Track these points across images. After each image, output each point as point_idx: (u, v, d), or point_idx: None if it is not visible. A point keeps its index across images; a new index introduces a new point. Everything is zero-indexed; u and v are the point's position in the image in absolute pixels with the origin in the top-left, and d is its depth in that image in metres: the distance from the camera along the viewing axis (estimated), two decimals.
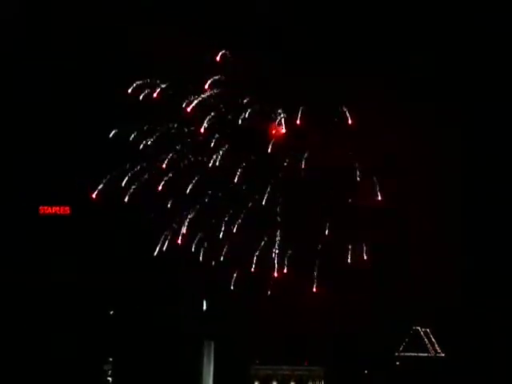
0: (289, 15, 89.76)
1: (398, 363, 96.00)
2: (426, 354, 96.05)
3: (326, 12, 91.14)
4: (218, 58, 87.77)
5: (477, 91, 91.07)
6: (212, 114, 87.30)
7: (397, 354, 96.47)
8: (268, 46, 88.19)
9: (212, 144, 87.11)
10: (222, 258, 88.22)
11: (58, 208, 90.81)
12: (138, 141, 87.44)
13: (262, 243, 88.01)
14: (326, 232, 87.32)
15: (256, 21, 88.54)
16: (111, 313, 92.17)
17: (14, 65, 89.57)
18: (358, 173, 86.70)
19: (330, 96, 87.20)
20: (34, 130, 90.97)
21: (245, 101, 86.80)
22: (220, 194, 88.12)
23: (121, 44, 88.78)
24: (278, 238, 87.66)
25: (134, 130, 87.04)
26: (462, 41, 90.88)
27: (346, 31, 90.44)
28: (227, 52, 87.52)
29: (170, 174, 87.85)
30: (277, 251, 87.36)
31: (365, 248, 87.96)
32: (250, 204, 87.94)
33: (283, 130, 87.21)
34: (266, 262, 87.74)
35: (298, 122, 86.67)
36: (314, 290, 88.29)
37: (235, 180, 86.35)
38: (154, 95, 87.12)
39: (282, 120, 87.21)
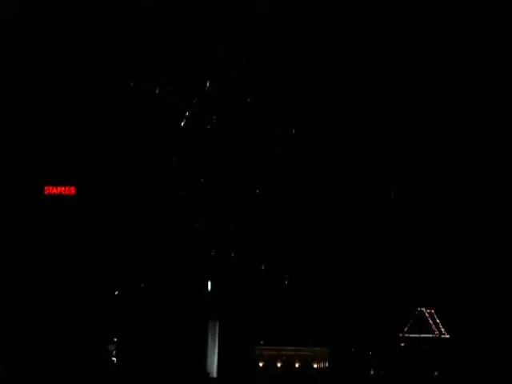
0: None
1: (402, 344, 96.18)
2: (430, 335, 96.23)
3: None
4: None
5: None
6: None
7: (401, 335, 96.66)
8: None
9: None
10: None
11: (63, 188, 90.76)
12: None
13: None
14: None
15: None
16: (116, 293, 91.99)
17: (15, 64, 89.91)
18: None
19: None
20: (39, 115, 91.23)
21: None
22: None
23: (121, 44, 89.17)
24: None
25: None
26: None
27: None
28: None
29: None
30: None
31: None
32: None
33: None
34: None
35: None
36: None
37: None
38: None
39: None
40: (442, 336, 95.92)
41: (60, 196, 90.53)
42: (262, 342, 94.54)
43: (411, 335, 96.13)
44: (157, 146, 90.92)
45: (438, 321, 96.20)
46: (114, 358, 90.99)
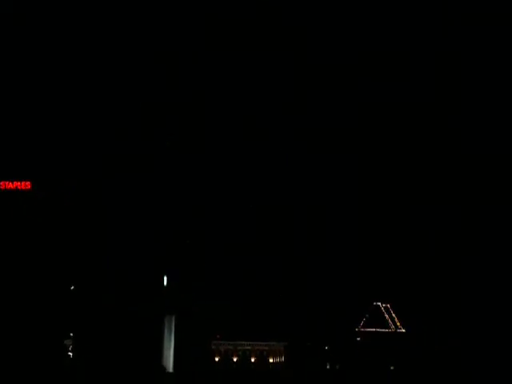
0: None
1: (358, 338, 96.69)
2: (386, 330, 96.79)
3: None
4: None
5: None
6: None
7: (357, 329, 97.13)
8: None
9: None
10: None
11: (19, 183, 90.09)
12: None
13: None
14: None
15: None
16: (72, 288, 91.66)
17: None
18: None
19: None
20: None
21: None
22: None
23: (121, 44, 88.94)
24: None
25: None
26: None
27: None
28: None
29: None
30: None
31: None
32: None
33: None
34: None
35: None
36: None
37: None
38: None
39: None
40: (398, 330, 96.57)
41: (16, 190, 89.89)
42: (218, 337, 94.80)
43: (367, 329, 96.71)
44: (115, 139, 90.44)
45: (393, 315, 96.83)
46: (70, 353, 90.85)
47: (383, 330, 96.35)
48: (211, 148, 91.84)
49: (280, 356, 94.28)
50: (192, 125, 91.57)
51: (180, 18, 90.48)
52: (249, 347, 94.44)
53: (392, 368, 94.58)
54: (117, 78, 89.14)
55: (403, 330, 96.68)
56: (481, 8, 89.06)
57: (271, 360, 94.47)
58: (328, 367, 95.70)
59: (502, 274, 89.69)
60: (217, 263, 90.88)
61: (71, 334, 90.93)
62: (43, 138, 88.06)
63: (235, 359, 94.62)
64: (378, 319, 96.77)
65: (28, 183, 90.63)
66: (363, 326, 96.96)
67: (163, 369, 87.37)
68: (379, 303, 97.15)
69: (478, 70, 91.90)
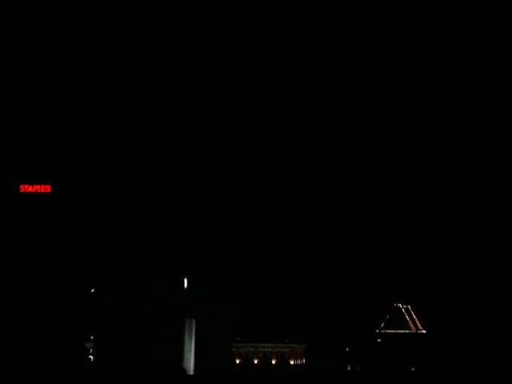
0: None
1: (379, 340, 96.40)
2: (406, 331, 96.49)
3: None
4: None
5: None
6: None
7: (378, 330, 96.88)
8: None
9: None
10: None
11: (38, 186, 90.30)
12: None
13: None
14: None
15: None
16: (92, 291, 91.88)
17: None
18: None
19: None
20: (15, 114, 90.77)
21: None
22: None
23: (121, 44, 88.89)
24: None
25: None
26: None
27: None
28: None
29: None
30: None
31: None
32: None
33: None
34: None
35: None
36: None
37: None
38: None
39: None
40: (419, 331, 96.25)
41: (36, 194, 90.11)
42: (238, 339, 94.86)
43: (388, 331, 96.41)
44: (134, 145, 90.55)
45: (414, 316, 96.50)
46: (91, 356, 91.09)
47: (404, 332, 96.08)
48: (211, 148, 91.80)
49: (301, 358, 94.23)
50: (192, 125, 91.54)
51: (180, 18, 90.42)
52: (269, 349, 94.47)
53: (413, 369, 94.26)
54: (117, 78, 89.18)
55: (424, 331, 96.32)
56: (481, 8, 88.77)
57: (292, 362, 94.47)
58: (349, 369, 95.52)
59: None
60: (231, 265, 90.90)
61: (92, 337, 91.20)
62: (45, 139, 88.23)
63: (256, 361, 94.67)
64: (399, 320, 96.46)
65: (48, 187, 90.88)
66: (384, 328, 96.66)
67: (184, 371, 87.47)
68: (400, 304, 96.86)
69: (478, 70, 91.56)
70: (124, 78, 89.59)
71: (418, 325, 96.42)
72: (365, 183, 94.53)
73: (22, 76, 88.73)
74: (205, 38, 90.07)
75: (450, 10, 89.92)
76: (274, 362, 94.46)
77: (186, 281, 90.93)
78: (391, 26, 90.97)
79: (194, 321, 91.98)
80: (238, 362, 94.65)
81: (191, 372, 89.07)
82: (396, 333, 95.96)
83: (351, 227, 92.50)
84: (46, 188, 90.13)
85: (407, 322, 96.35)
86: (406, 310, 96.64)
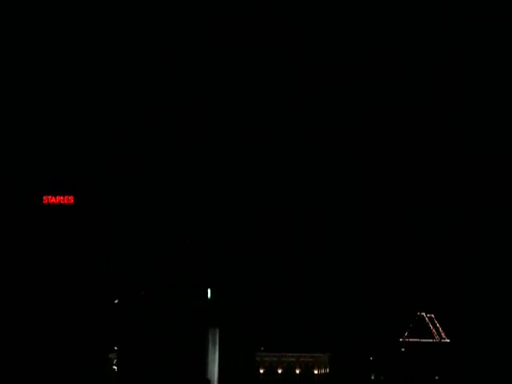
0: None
1: (402, 349, 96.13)
2: (430, 340, 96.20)
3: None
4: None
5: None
6: None
7: (401, 339, 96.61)
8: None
9: None
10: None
11: (62, 197, 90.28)
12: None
13: None
14: None
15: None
16: (116, 302, 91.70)
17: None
18: None
19: None
20: (39, 120, 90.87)
21: None
22: None
23: (121, 44, 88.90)
24: None
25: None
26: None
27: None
28: None
29: None
30: None
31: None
32: None
33: None
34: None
35: None
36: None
37: None
38: None
39: None
40: (442, 340, 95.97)
41: (59, 205, 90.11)
42: (262, 349, 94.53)
43: (411, 340, 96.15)
44: (156, 157, 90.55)
45: (438, 325, 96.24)
46: (115, 367, 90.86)
47: (427, 341, 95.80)
48: (211, 148, 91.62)
49: (325, 367, 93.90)
50: (192, 125, 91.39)
51: (180, 18, 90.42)
52: (293, 358, 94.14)
53: (437, 378, 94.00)
54: (117, 78, 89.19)
55: (447, 340, 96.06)
56: (481, 8, 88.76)
57: (316, 371, 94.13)
58: (373, 378, 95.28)
59: None
60: (261, 275, 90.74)
61: (116, 348, 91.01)
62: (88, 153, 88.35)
63: (280, 371, 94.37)
64: (422, 329, 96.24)
65: (71, 197, 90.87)
66: (407, 337, 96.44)
67: (208, 382, 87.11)
68: (423, 313, 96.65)
69: (478, 70, 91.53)
70: (124, 77, 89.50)
71: (442, 334, 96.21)
72: (374, 185, 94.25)
73: (25, 80, 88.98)
74: (205, 38, 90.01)
75: (450, 10, 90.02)
76: (297, 371, 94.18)
77: (209, 291, 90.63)
78: (391, 26, 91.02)
79: (217, 331, 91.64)
80: (261, 371, 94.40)
81: (215, 382, 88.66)
82: (420, 342, 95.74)
83: (377, 237, 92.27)
84: (69, 199, 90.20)
85: (431, 330, 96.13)
86: (430, 318, 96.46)
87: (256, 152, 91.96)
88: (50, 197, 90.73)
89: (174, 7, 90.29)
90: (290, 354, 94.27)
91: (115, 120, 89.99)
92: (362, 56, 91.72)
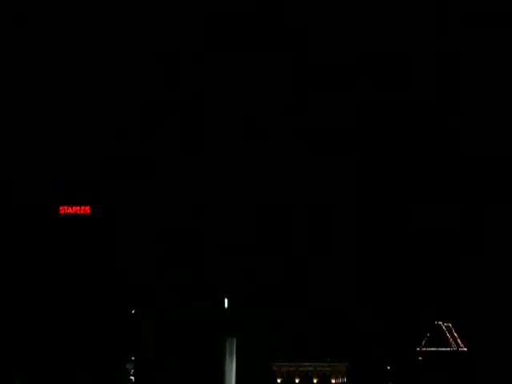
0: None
1: (420, 358, 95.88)
2: (448, 349, 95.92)
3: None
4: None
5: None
6: None
7: (419, 348, 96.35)
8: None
9: None
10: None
11: (78, 208, 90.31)
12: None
13: None
14: None
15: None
16: (133, 311, 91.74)
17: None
18: None
19: None
20: (52, 128, 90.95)
21: None
22: None
23: (121, 44, 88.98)
24: None
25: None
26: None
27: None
28: None
29: None
30: None
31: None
32: None
33: None
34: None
35: None
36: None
37: None
38: None
39: None
40: (460, 349, 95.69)
41: (75, 215, 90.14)
42: (279, 359, 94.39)
43: (429, 349, 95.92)
44: (172, 164, 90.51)
45: (455, 334, 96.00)
46: (132, 377, 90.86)
47: (445, 350, 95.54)
48: (211, 148, 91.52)
49: (342, 377, 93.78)
50: (192, 125, 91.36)
51: (180, 17, 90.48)
52: (311, 368, 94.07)
53: None
54: (116, 78, 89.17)
55: (465, 349, 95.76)
56: (481, 8, 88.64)
57: (333, 381, 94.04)
58: None
59: None
60: (277, 284, 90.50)
61: (133, 358, 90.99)
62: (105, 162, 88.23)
63: (297, 380, 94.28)
64: (440, 338, 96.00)
65: (87, 208, 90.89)
66: (425, 346, 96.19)
67: None
68: (440, 322, 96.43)
69: (478, 69, 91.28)
70: (121, 77, 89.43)
71: (460, 343, 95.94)
72: (384, 186, 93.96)
73: (30, 86, 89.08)
74: (205, 38, 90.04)
75: (450, 10, 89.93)
76: (315, 381, 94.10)
77: (226, 300, 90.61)
78: (391, 26, 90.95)
79: (234, 340, 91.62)
80: (279, 381, 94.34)
81: None
82: (437, 351, 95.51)
83: (397, 248, 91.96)
84: (85, 209, 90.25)
85: (448, 339, 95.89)
86: (447, 327, 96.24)
87: (256, 152, 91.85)
88: (66, 207, 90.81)
89: (173, 7, 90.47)
90: (308, 364, 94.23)
91: (115, 120, 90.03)
92: (362, 56, 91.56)
